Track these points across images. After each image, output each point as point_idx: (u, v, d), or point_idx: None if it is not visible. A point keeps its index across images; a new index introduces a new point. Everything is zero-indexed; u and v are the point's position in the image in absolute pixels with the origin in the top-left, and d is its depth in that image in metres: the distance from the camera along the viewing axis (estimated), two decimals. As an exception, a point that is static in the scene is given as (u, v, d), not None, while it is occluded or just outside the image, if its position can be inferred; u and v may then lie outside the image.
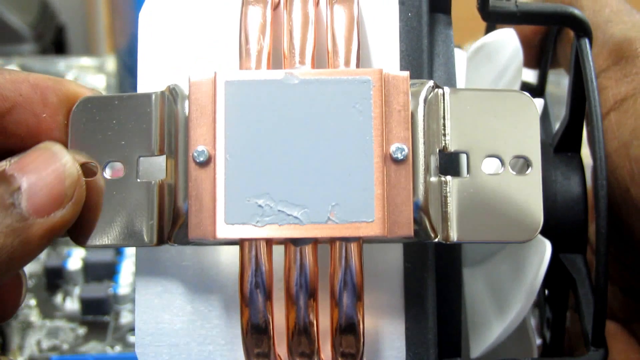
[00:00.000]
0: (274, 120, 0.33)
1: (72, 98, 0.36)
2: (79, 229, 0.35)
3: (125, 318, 0.65)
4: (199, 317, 0.36)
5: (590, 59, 0.38)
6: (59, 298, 0.67)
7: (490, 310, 0.39)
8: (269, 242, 0.33)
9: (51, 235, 0.33)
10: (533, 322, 0.43)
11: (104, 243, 0.35)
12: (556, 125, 0.44)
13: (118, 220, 0.35)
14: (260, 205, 0.33)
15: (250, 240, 0.33)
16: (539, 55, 0.46)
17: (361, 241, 0.33)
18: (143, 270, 0.37)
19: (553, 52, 0.45)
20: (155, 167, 0.36)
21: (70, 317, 0.66)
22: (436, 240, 0.34)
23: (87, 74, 0.84)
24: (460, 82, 0.41)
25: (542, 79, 0.46)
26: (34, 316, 0.66)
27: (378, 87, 0.33)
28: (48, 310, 0.66)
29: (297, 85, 0.33)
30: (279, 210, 0.33)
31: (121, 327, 0.64)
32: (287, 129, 0.33)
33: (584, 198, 0.40)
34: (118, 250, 0.70)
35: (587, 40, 0.38)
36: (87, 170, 0.35)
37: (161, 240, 0.35)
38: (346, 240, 0.33)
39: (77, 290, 0.67)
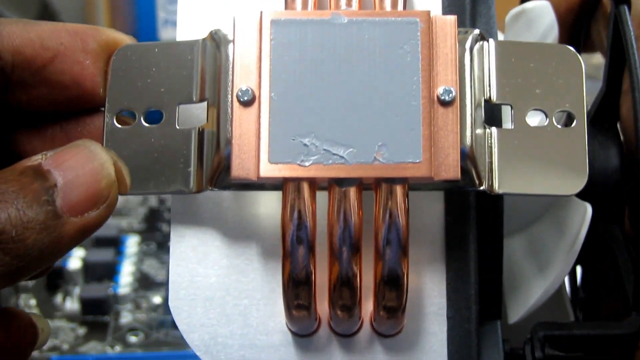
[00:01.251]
0: (320, 60, 0.33)
1: (112, 45, 0.35)
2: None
3: (125, 318, 0.64)
4: (235, 271, 0.35)
5: (630, 24, 0.38)
6: (59, 298, 0.66)
7: (530, 273, 0.38)
8: (313, 184, 0.32)
9: (83, 235, 0.32)
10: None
11: (143, 190, 0.34)
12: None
13: (157, 167, 0.34)
14: (305, 144, 0.32)
15: (294, 180, 0.32)
16: (572, 37, 0.46)
17: (407, 186, 0.32)
18: (178, 222, 0.36)
19: (587, 34, 0.45)
20: (196, 114, 0.35)
21: (70, 317, 0.65)
22: (481, 188, 0.33)
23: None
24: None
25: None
26: (34, 316, 0.65)
27: (425, 29, 0.33)
28: (48, 310, 0.65)
29: (344, 25, 0.33)
30: (324, 150, 0.32)
31: (121, 327, 0.64)
32: (333, 69, 0.33)
33: (621, 168, 0.40)
34: (118, 250, 0.70)
35: (626, 7, 0.38)
36: (126, 119, 0.35)
37: (200, 188, 0.34)
38: (392, 181, 0.32)
39: (77, 290, 0.66)
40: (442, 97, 0.32)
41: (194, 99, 0.34)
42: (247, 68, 0.33)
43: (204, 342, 0.35)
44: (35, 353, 0.61)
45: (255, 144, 0.32)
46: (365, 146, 0.32)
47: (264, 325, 0.35)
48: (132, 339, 0.62)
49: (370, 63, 0.33)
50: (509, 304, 0.39)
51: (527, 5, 0.42)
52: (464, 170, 0.33)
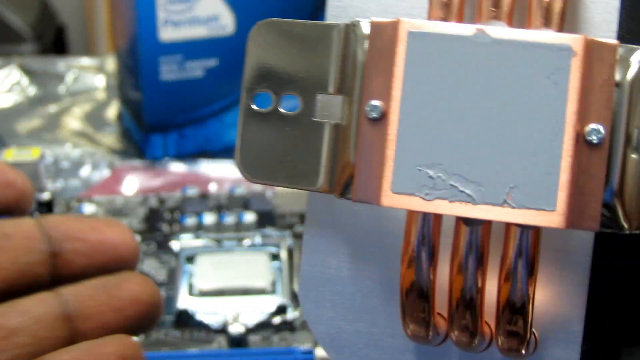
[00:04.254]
0: (456, 81, 0.29)
1: None
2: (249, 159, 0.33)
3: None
4: (367, 269, 0.34)
5: None
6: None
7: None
8: (438, 215, 0.30)
9: None
10: None
11: (270, 181, 0.33)
12: None
13: (288, 159, 0.33)
14: (431, 177, 0.30)
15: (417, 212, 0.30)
16: None
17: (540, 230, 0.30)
18: (315, 210, 0.35)
19: None
20: (330, 107, 0.33)
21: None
22: (628, 232, 0.30)
23: (87, 74, 0.82)
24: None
25: None
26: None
27: (579, 57, 0.29)
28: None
29: (487, 44, 0.29)
30: (450, 185, 0.29)
31: (121, 327, 0.63)
32: (469, 93, 0.29)
33: None
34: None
35: None
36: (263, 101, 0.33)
37: (328, 189, 0.32)
38: (521, 227, 0.29)
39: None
40: (590, 138, 0.29)
41: (330, 90, 0.32)
42: (378, 80, 0.30)
43: (330, 336, 0.35)
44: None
45: (380, 167, 0.30)
46: (495, 186, 0.29)
47: (391, 327, 0.34)
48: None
49: (511, 92, 0.29)
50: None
51: None
52: (609, 210, 0.29)
